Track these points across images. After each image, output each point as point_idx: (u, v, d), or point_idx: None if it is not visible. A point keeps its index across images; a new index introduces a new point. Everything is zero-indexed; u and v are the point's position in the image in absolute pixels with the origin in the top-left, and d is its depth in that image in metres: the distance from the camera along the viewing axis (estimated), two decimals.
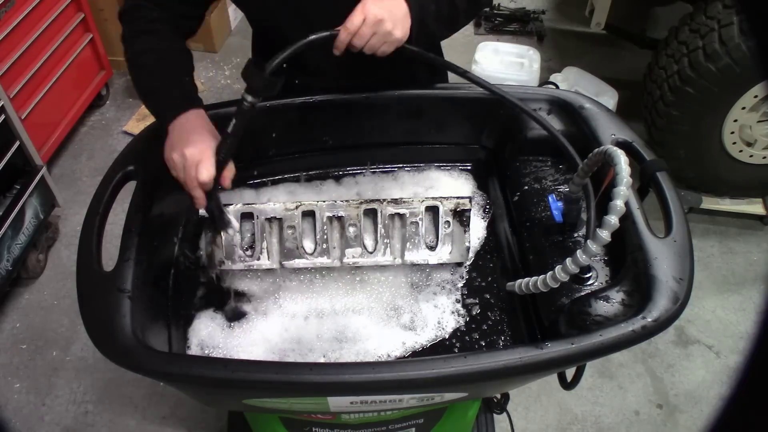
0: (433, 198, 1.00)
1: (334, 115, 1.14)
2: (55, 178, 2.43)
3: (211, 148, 0.90)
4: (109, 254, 0.89)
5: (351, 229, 0.99)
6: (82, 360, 1.94)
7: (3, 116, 1.94)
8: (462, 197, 1.01)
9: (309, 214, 1.00)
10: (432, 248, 1.02)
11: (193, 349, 0.97)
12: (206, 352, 0.96)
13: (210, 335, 0.99)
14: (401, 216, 1.00)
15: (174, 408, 1.84)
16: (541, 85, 2.60)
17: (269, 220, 1.00)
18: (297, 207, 0.99)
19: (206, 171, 0.88)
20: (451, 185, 1.20)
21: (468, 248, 1.03)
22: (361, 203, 0.99)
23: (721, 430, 0.35)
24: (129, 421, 1.81)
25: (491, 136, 1.20)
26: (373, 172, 1.22)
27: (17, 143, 2.01)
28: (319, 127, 1.16)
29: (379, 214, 0.99)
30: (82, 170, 2.59)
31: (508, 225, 1.13)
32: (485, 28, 3.44)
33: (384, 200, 0.99)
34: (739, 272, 2.26)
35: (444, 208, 1.00)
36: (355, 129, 1.16)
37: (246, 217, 1.00)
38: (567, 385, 0.98)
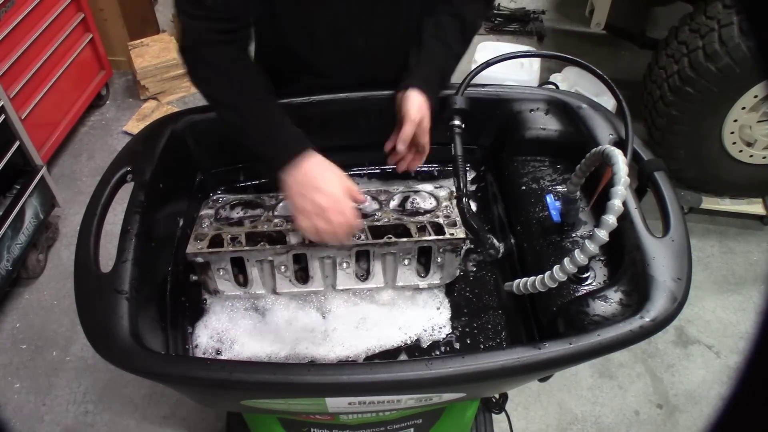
0: (426, 240, 0.99)
1: (332, 115, 1.14)
2: (55, 178, 2.43)
3: (344, 188, 0.90)
4: (110, 255, 0.89)
5: (344, 265, 1.00)
6: (82, 360, 1.95)
7: (3, 116, 1.94)
8: (456, 238, 0.99)
9: (301, 257, 1.00)
10: (422, 276, 1.04)
11: (202, 343, 0.97)
12: (210, 348, 0.97)
13: (211, 333, 0.99)
14: (393, 254, 1.00)
15: (174, 408, 1.84)
16: (541, 85, 2.60)
17: (260, 261, 0.99)
18: (288, 251, 0.98)
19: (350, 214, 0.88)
20: (451, 182, 1.20)
21: (458, 268, 1.04)
22: (353, 247, 0.98)
23: (721, 430, 0.35)
24: (129, 421, 1.81)
25: (489, 137, 1.20)
26: (371, 175, 1.22)
27: (17, 143, 2.01)
28: (317, 127, 1.15)
29: (371, 255, 0.99)
30: (82, 170, 2.59)
31: (507, 225, 1.13)
32: (485, 28, 3.44)
33: (376, 243, 0.98)
34: (739, 272, 2.26)
35: (437, 247, 1.00)
36: (352, 129, 1.16)
37: (237, 261, 1.00)
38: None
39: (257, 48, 1.22)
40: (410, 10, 1.07)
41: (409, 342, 0.99)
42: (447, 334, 1.00)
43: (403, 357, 0.98)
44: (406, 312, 1.02)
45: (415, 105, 1.00)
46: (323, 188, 0.87)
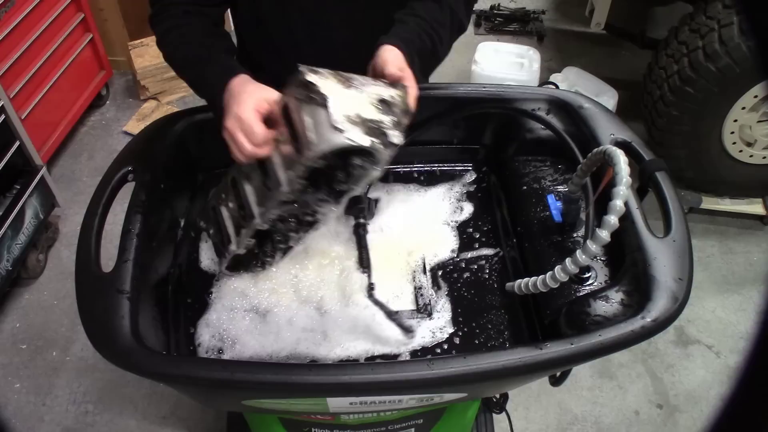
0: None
1: None
2: (55, 178, 2.43)
3: (254, 99, 0.82)
4: (110, 254, 0.89)
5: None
6: (82, 360, 1.95)
7: (3, 116, 1.94)
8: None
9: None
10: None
11: (204, 342, 0.97)
12: (212, 347, 0.96)
13: (213, 332, 0.99)
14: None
15: (174, 408, 1.84)
16: (541, 85, 2.60)
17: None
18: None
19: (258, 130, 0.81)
20: (452, 183, 1.20)
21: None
22: None
23: (721, 430, 0.35)
24: (129, 421, 1.81)
25: (491, 137, 1.20)
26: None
27: (17, 143, 2.01)
28: None
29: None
30: (82, 170, 2.59)
31: (509, 225, 1.13)
32: (485, 28, 3.44)
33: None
34: (739, 272, 2.26)
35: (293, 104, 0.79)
36: None
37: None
38: (555, 380, 0.98)
39: (238, 40, 1.21)
40: (391, 3, 1.02)
41: (413, 341, 0.98)
42: (449, 334, 1.00)
43: (404, 356, 0.97)
44: (411, 311, 1.02)
45: (393, 55, 0.88)
46: (234, 110, 0.82)
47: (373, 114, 0.78)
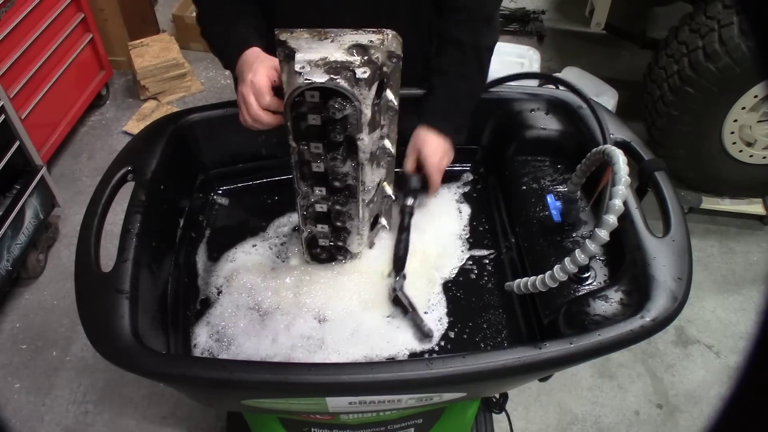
0: None
1: None
2: (55, 178, 2.43)
3: (267, 67, 0.91)
4: (110, 254, 0.89)
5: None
6: (82, 360, 1.95)
7: (3, 116, 1.94)
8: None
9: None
10: None
11: (200, 344, 0.97)
12: (208, 347, 0.96)
13: (211, 332, 0.99)
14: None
15: (174, 408, 1.84)
16: (541, 85, 2.60)
17: None
18: None
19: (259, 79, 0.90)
20: (449, 185, 1.20)
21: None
22: None
23: (721, 430, 0.35)
24: (129, 421, 1.81)
25: (490, 137, 1.20)
26: None
27: (17, 143, 2.01)
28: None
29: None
30: (82, 170, 2.60)
31: (507, 225, 1.13)
32: None
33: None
34: (739, 272, 2.26)
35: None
36: None
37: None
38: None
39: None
40: None
41: (412, 342, 0.98)
42: (447, 333, 1.00)
43: (403, 356, 0.97)
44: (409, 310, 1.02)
45: (411, 142, 1.08)
46: (248, 77, 0.91)
47: (342, 57, 0.82)
